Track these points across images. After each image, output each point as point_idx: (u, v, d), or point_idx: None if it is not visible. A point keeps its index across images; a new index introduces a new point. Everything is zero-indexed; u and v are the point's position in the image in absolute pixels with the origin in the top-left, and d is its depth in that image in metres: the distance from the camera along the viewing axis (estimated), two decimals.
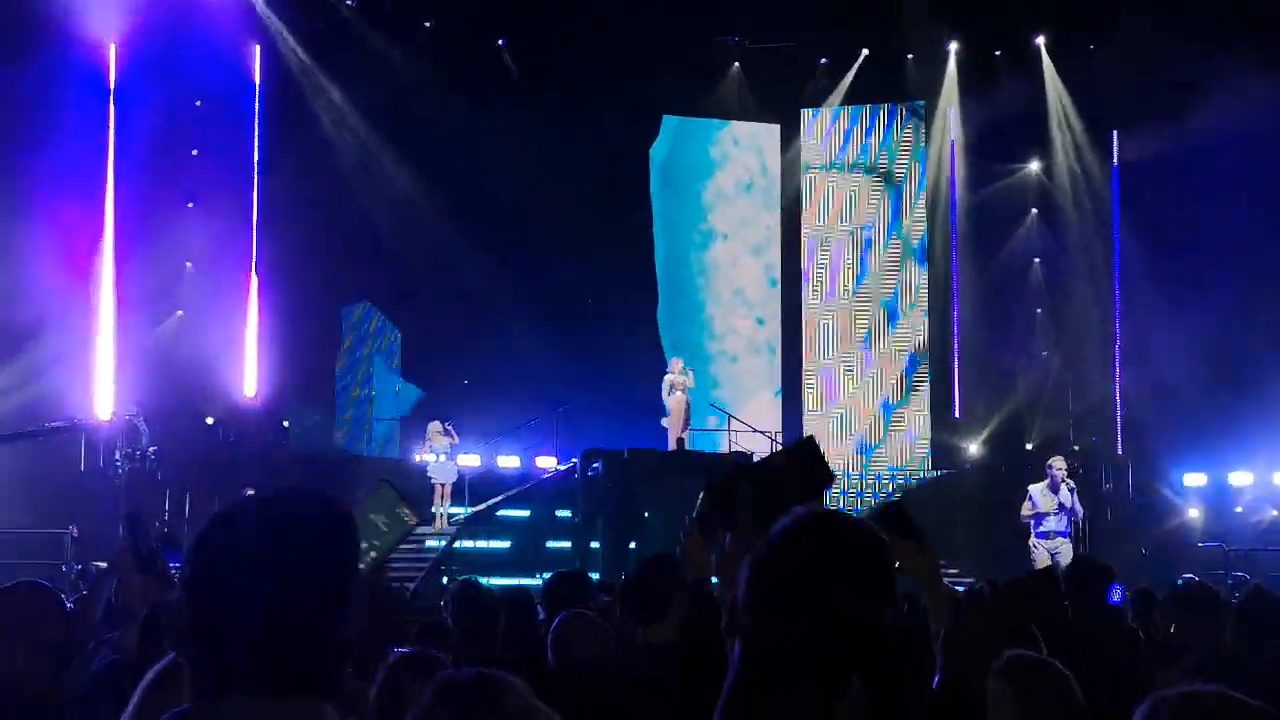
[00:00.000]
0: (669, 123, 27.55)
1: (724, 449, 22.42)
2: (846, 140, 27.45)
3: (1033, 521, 17.10)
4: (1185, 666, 5.78)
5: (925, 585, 3.70)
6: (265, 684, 2.16)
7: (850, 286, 27.16)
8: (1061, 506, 17.00)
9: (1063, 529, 17.06)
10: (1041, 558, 16.93)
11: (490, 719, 2.33)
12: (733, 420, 23.72)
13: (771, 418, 26.35)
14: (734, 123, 27.77)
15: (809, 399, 26.95)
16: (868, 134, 27.44)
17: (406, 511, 2.27)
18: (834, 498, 24.07)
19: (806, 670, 2.13)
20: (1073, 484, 17.49)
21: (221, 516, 2.33)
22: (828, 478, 3.34)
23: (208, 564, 2.24)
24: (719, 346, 27.67)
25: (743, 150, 28.05)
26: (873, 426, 26.60)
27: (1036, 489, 17.24)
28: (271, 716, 2.13)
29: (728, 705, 2.19)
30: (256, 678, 2.15)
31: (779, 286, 27.83)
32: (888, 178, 27.27)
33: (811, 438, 3.46)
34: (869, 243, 27.23)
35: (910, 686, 2.23)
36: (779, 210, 27.95)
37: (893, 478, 25.52)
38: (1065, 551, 17.01)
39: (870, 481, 25.60)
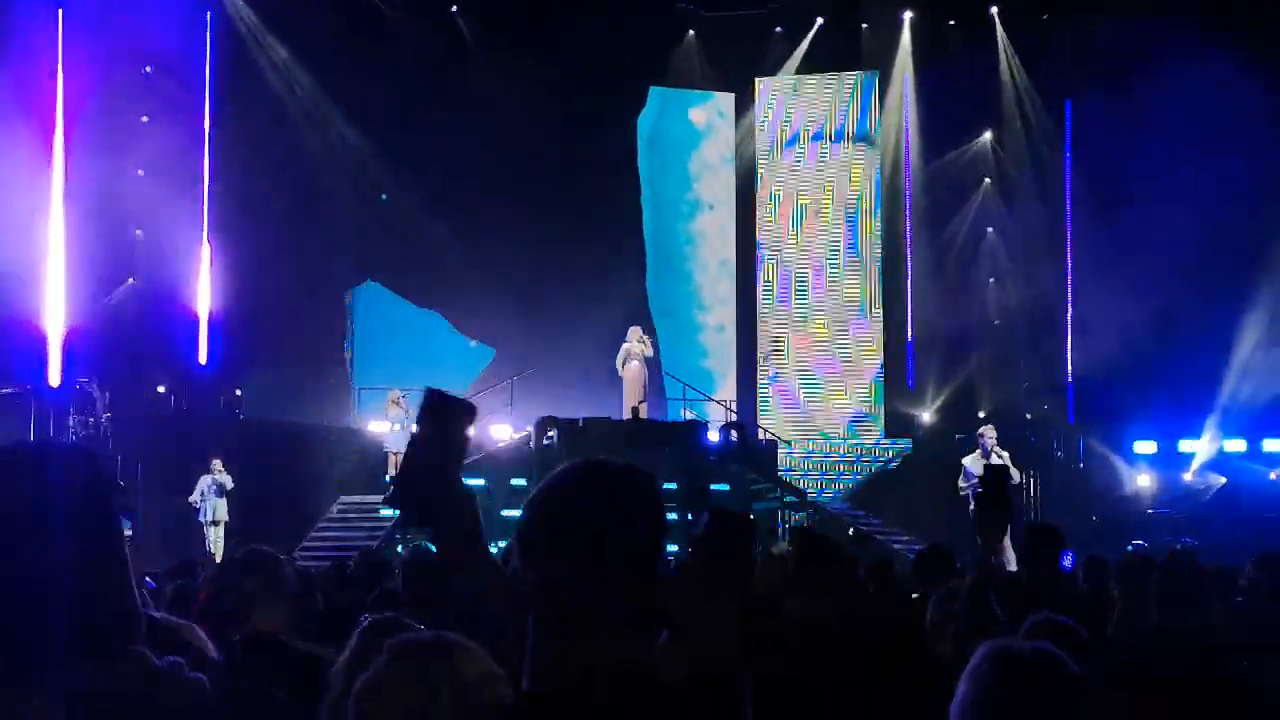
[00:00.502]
0: (655, 94, 27.53)
1: (681, 418, 22.42)
2: (801, 109, 27.44)
3: (970, 491, 17.26)
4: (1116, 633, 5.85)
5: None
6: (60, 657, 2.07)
7: (805, 256, 27.19)
8: None
9: None
10: None
11: (446, 679, 2.34)
12: (687, 390, 23.80)
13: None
14: (718, 94, 27.71)
15: (768, 370, 27.05)
16: (823, 103, 27.43)
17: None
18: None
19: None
20: (1004, 452, 17.66)
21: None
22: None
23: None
24: (706, 318, 27.78)
25: (727, 122, 28.01)
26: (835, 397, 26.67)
27: (970, 460, 17.48)
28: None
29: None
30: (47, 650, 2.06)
31: (733, 261, 27.88)
32: (844, 143, 27.28)
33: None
34: (821, 212, 27.25)
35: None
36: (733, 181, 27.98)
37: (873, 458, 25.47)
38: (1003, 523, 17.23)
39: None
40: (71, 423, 19.49)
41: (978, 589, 3.87)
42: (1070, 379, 25.56)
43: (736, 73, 27.23)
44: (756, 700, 2.27)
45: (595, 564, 2.14)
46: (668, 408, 24.29)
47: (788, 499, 22.03)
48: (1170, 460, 23.63)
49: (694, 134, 27.97)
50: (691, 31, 26.89)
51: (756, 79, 27.35)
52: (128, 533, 4.82)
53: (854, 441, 25.89)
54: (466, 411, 2.76)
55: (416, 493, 2.50)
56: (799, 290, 27.17)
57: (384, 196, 25.49)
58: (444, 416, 2.71)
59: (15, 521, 2.09)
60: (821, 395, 26.63)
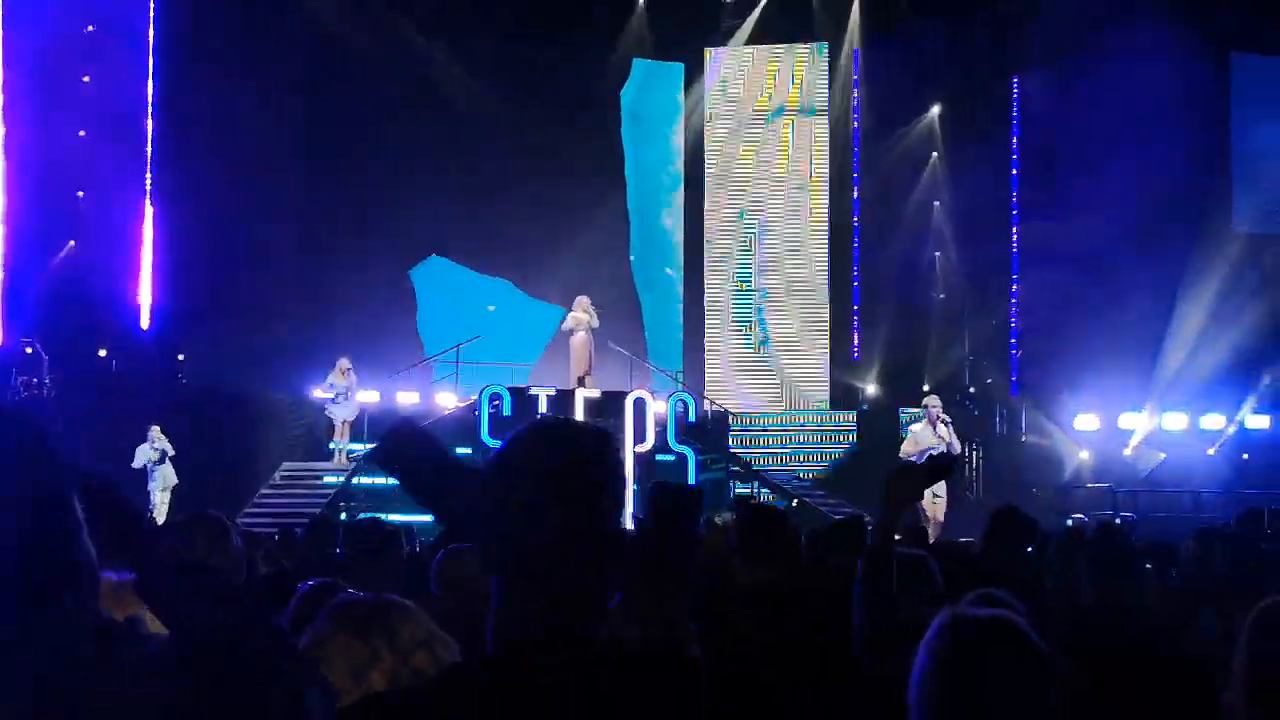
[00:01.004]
0: (639, 65, 27.47)
1: (627, 389, 22.37)
2: (750, 80, 27.44)
3: (915, 458, 17.46)
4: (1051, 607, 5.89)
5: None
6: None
7: (755, 227, 27.25)
8: (940, 440, 17.53)
9: None
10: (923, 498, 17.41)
11: (385, 640, 2.32)
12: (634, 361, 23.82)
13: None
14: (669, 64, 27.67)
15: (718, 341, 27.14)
16: (771, 74, 27.44)
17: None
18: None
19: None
20: (948, 419, 17.96)
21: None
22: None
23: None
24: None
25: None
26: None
27: (917, 428, 17.77)
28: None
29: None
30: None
31: (680, 228, 27.92)
32: (789, 114, 27.31)
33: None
34: (774, 181, 27.32)
35: None
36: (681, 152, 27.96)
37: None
38: (944, 491, 17.61)
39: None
40: (15, 383, 19.25)
41: (876, 557, 3.74)
42: (1014, 352, 25.75)
43: (687, 43, 27.14)
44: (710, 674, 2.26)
45: (556, 526, 2.12)
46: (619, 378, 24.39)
47: (733, 469, 22.14)
48: (1111, 435, 23.88)
49: (674, 106, 27.99)
50: (641, 1, 26.80)
51: (706, 49, 27.30)
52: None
53: (803, 412, 26.05)
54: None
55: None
56: (742, 264, 27.24)
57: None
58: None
59: None
60: (770, 367, 26.71)
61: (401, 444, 2.77)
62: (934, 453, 17.49)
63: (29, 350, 19.36)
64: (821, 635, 4.16)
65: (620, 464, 2.24)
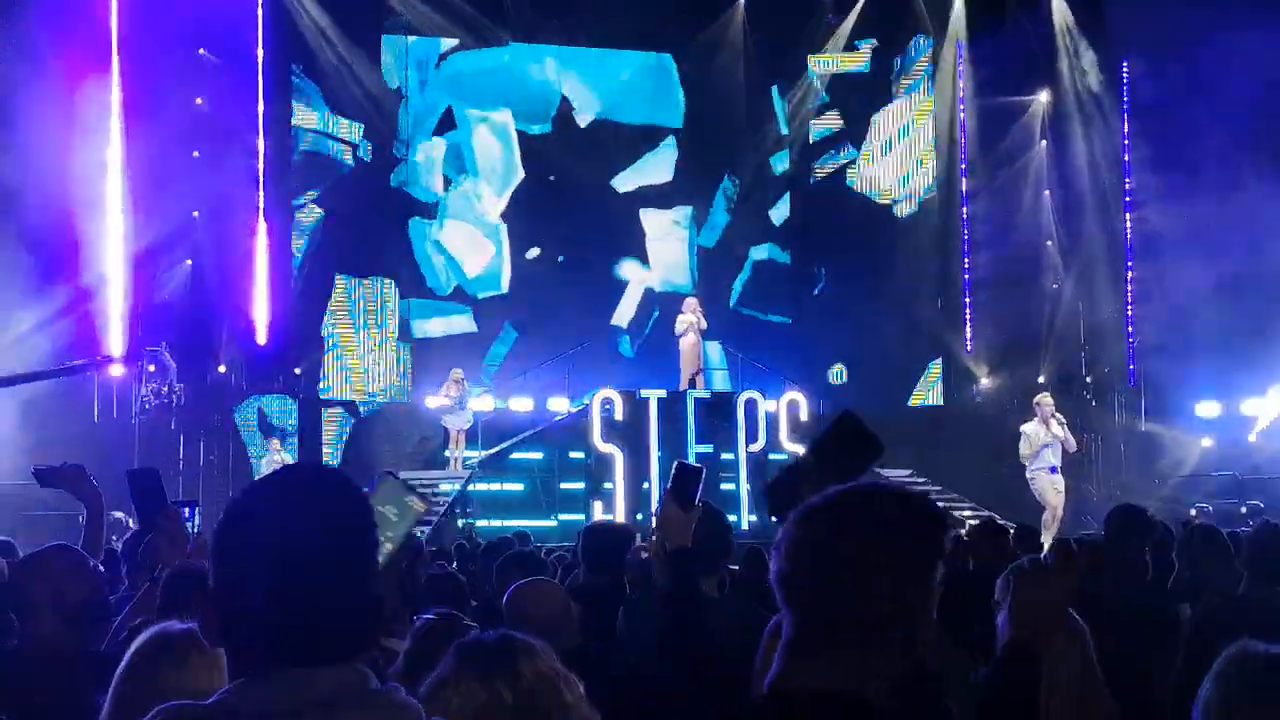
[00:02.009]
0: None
1: (734, 390, 22.33)
2: (857, 74, 27.39)
3: (1030, 459, 17.41)
4: (1199, 611, 5.80)
5: None
6: (307, 654, 2.10)
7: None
8: (1055, 438, 17.35)
9: (1055, 463, 17.41)
10: (1042, 488, 17.30)
11: (507, 682, 2.34)
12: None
13: None
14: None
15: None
16: (877, 69, 27.34)
17: (414, 499, 2.27)
18: None
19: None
20: (1061, 418, 17.75)
21: (246, 492, 2.27)
22: (874, 451, 3.31)
23: (238, 540, 2.17)
24: None
25: None
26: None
27: (1029, 427, 17.55)
28: (322, 686, 2.07)
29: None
30: (297, 649, 2.09)
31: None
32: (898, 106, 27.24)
33: (849, 412, 3.43)
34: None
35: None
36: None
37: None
38: (1063, 486, 17.43)
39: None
40: (143, 391, 19.67)
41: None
42: (1130, 340, 25.29)
43: (787, 42, 27.05)
44: None
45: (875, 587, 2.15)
46: (727, 378, 24.49)
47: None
48: (1234, 421, 23.36)
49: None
50: (741, 2, 26.78)
51: (810, 57, 27.30)
52: (193, 526, 4.90)
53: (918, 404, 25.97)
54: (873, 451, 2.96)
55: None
56: None
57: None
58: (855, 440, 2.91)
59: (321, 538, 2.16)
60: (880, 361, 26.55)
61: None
62: (1046, 451, 17.30)
63: (159, 358, 19.71)
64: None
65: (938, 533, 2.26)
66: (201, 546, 5.03)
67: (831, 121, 27.61)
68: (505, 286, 26.23)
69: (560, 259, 26.04)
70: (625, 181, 26.92)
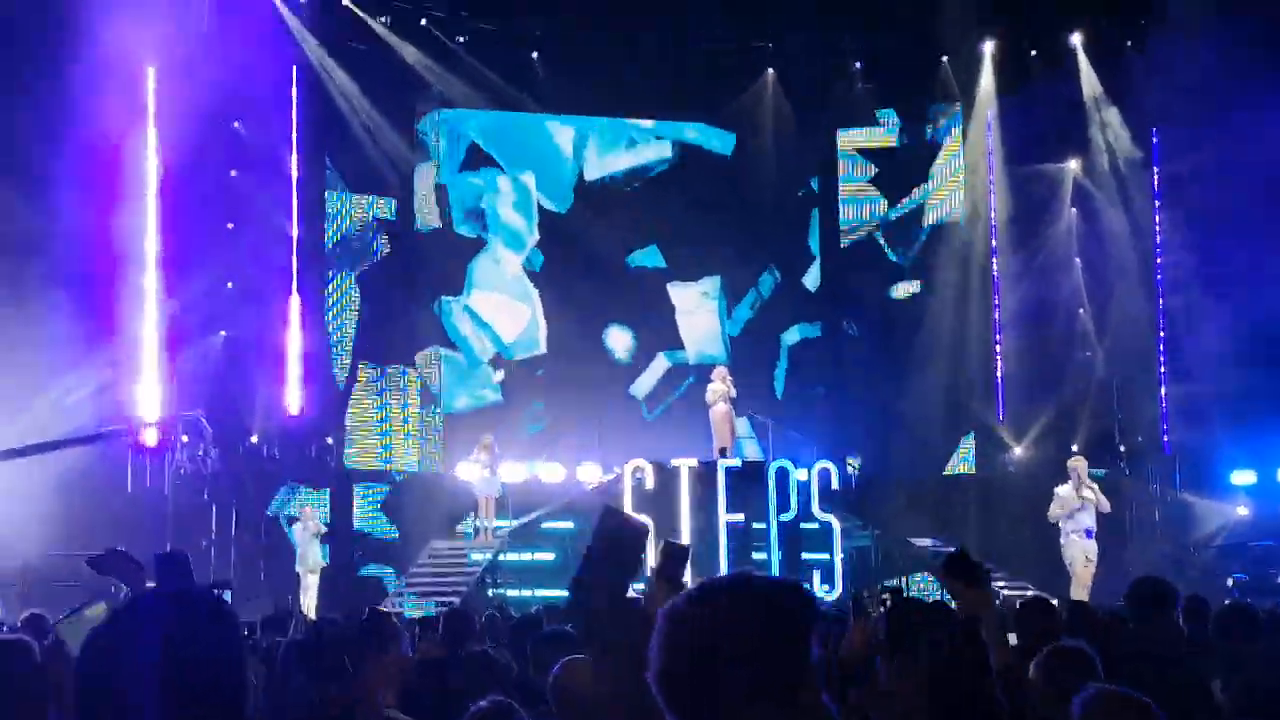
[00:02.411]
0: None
1: (763, 457, 22.28)
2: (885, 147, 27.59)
3: (1065, 519, 17.30)
4: (1236, 686, 5.73)
5: (987, 626, 3.70)
6: None
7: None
8: (1086, 504, 17.23)
9: (1091, 526, 17.29)
10: (1073, 556, 17.17)
11: None
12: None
13: None
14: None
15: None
16: (905, 138, 27.50)
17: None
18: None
19: None
20: (1093, 484, 17.68)
21: (109, 622, 2.32)
22: (640, 538, 3.26)
23: (100, 671, 2.22)
24: None
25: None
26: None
27: (1062, 489, 17.46)
28: None
29: None
30: None
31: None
32: (926, 176, 27.34)
33: (609, 509, 3.41)
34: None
35: None
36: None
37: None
38: (1094, 554, 17.26)
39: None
40: (179, 455, 19.76)
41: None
42: (1164, 409, 25.15)
43: (816, 107, 27.17)
44: None
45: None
46: (758, 449, 24.43)
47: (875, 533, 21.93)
48: (1270, 490, 23.16)
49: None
50: (770, 70, 26.93)
51: (839, 131, 27.46)
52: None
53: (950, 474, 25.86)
54: (641, 533, 2.89)
55: (586, 605, 2.60)
56: None
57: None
58: (619, 539, 2.87)
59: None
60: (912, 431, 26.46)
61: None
62: (1080, 514, 17.20)
63: (196, 423, 19.80)
64: None
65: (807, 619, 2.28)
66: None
67: (865, 190, 27.69)
68: (543, 346, 26.32)
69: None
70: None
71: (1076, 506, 17.32)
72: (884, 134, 27.55)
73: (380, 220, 24.97)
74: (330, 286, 24.44)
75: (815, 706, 2.22)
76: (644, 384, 26.75)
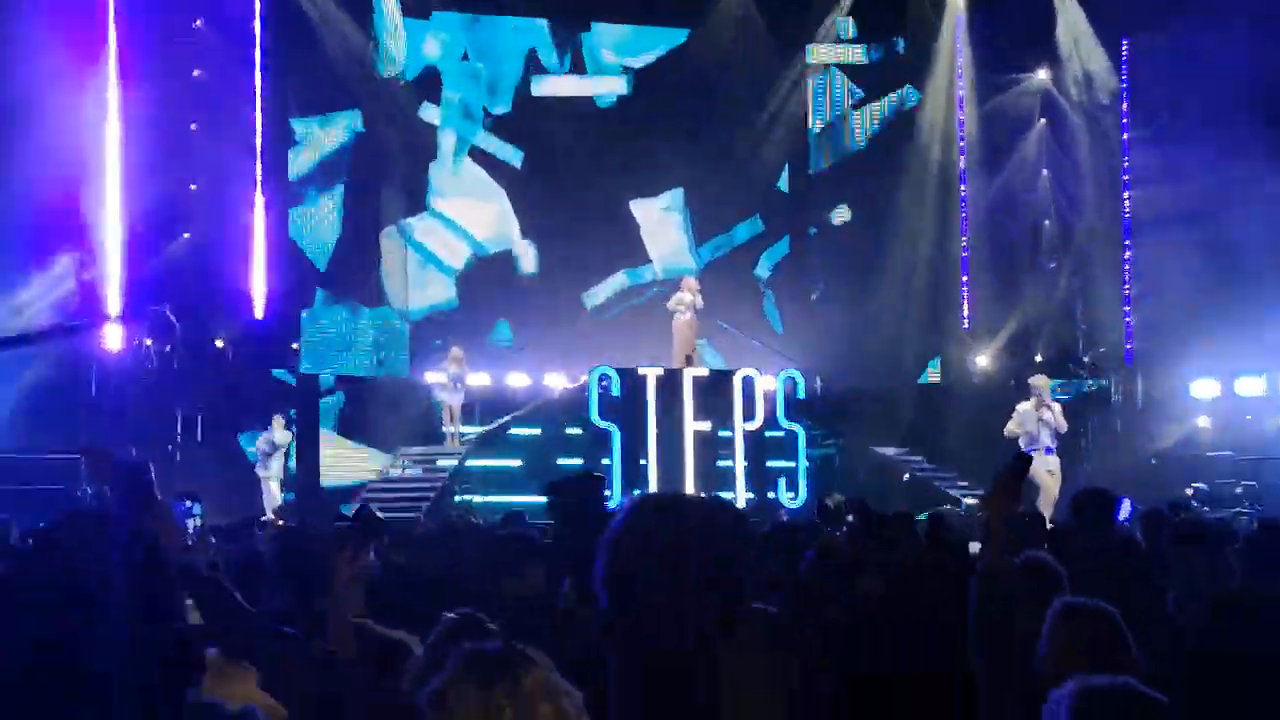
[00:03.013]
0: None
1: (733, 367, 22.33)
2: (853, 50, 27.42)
3: (1023, 438, 17.27)
4: (1185, 596, 5.81)
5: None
6: None
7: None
8: (1045, 423, 17.21)
9: (1050, 444, 17.31)
10: (1035, 470, 17.17)
11: (507, 693, 2.36)
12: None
13: None
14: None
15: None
16: (874, 51, 27.38)
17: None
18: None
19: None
20: (1054, 404, 17.70)
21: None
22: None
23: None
24: None
25: None
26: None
27: (1023, 406, 17.42)
28: None
29: None
30: None
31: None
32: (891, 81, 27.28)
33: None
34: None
35: None
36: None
37: None
38: (1057, 472, 17.30)
39: None
40: (148, 347, 19.64)
41: (990, 585, 3.66)
42: (1128, 320, 25.32)
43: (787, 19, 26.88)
44: None
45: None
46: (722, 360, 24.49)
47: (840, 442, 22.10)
48: (1230, 400, 23.43)
49: None
50: None
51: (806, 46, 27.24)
52: (195, 521, 4.90)
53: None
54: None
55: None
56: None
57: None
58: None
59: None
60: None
61: None
62: (1042, 433, 17.26)
63: (164, 317, 19.71)
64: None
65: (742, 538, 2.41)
66: (204, 539, 5.06)
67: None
68: (517, 239, 26.28)
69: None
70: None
71: (1032, 430, 17.30)
72: (856, 50, 27.39)
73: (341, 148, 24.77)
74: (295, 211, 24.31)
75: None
76: (598, 295, 26.67)
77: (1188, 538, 6.49)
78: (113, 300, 20.47)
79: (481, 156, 26.11)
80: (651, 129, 25.69)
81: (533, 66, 26.46)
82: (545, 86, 26.51)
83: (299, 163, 24.54)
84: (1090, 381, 24.20)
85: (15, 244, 18.79)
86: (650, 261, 26.92)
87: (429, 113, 25.81)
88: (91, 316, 19.55)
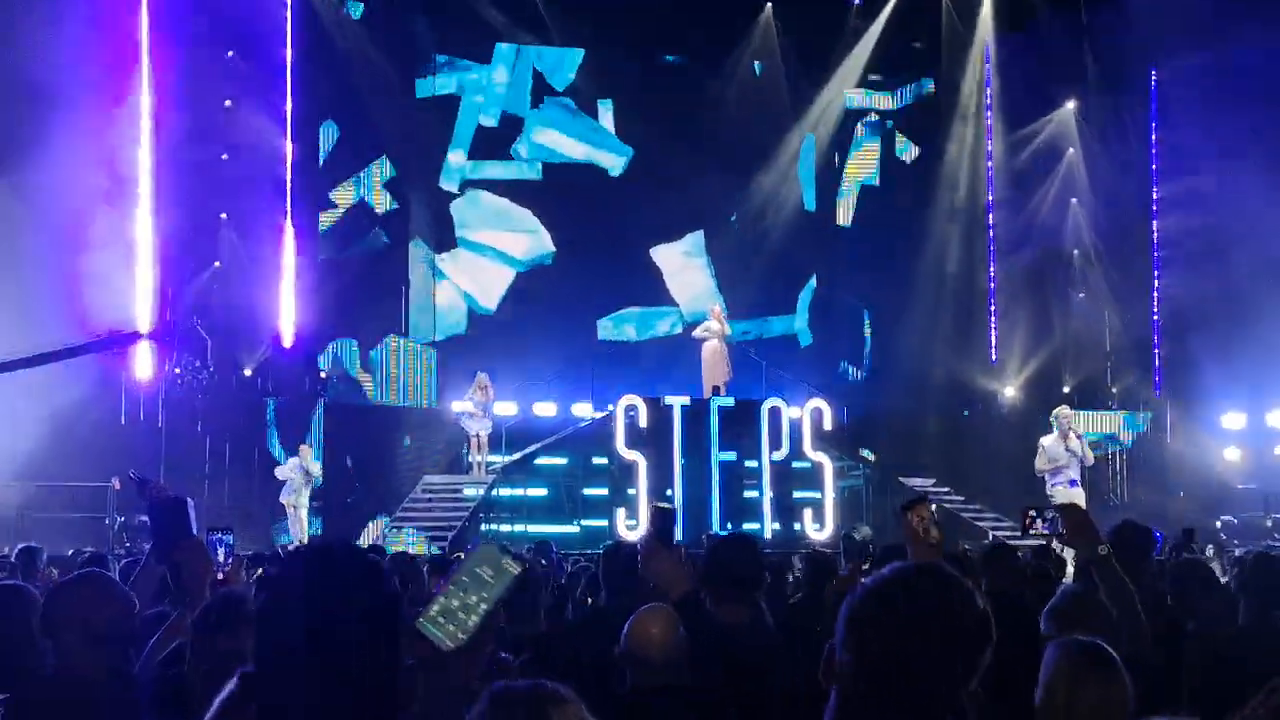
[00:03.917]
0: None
1: (761, 397, 22.29)
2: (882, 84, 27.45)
3: (1049, 473, 17.14)
4: (1193, 636, 5.77)
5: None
6: None
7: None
8: (1071, 454, 17.06)
9: (1075, 477, 17.15)
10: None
11: None
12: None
13: None
14: None
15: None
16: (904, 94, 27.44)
17: (509, 561, 2.35)
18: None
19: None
20: (1080, 431, 17.53)
21: (270, 587, 2.39)
22: None
23: (269, 636, 2.29)
24: None
25: None
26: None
27: (1047, 440, 17.27)
28: None
29: None
30: None
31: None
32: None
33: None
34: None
35: None
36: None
37: None
38: (1082, 501, 17.15)
39: None
40: (180, 363, 19.71)
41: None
42: (1156, 351, 25.20)
43: (816, 46, 26.87)
44: None
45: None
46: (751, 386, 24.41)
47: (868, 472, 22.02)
48: (1259, 433, 23.29)
49: None
50: (769, 4, 26.67)
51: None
52: (223, 552, 4.93)
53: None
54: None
55: None
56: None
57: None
58: None
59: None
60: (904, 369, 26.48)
61: None
62: (1065, 468, 17.10)
63: (195, 333, 19.81)
64: None
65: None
66: (236, 569, 5.09)
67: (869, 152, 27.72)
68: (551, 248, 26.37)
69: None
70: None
71: (1062, 463, 17.17)
72: (885, 97, 27.50)
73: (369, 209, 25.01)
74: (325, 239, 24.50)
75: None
76: (625, 332, 26.77)
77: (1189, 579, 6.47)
78: (143, 314, 20.52)
79: (504, 189, 26.26)
80: (669, 178, 25.72)
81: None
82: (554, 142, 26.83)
83: (330, 196, 24.70)
84: (1120, 413, 24.07)
85: (44, 269, 18.88)
86: (676, 305, 26.94)
87: (456, 155, 26.03)
88: (124, 334, 19.62)
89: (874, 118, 27.68)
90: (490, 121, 26.27)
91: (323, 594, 2.25)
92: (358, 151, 24.67)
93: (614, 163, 26.73)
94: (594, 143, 26.74)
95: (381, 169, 25.08)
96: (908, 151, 27.44)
